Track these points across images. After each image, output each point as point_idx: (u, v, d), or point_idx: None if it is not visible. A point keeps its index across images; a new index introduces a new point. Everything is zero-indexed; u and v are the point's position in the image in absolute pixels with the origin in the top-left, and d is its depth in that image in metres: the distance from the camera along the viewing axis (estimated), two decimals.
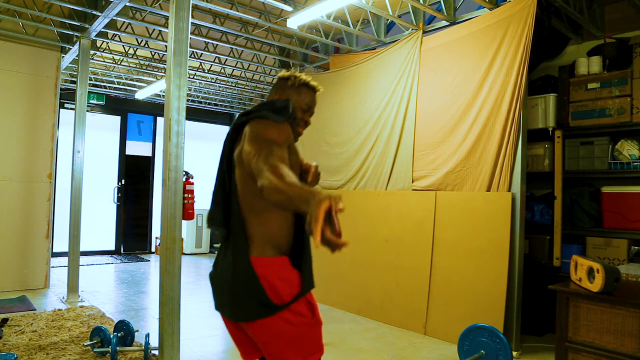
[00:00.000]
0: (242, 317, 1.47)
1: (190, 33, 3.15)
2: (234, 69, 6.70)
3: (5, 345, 3.21)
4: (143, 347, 3.09)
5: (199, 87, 7.73)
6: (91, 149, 7.01)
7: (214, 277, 1.59)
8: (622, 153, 3.71)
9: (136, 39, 5.59)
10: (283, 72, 1.70)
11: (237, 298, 1.47)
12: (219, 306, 1.58)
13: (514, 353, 3.28)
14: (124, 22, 5.01)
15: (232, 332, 1.60)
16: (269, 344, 1.48)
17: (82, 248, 5.00)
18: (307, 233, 1.52)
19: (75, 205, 4.79)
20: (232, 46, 5.51)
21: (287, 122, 1.56)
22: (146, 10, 4.59)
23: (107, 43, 5.75)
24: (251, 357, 1.61)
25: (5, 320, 3.73)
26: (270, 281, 1.44)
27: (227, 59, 6.22)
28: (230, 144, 1.58)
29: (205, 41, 5.49)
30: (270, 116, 1.52)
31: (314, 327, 1.52)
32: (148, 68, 6.67)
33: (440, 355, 3.38)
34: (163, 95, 7.98)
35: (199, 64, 6.60)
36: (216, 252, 1.66)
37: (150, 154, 8.71)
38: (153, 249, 8.60)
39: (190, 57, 5.93)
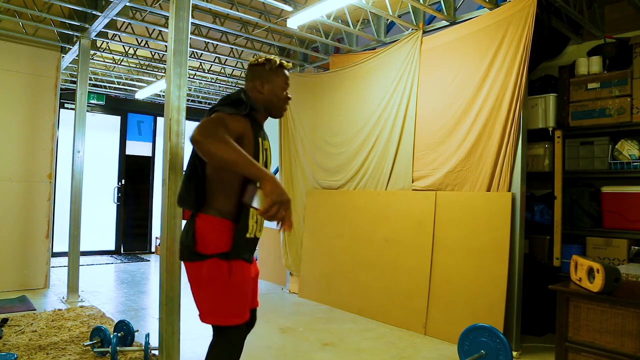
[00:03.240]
0: (180, 257, 1.84)
1: (190, 33, 3.15)
2: (234, 69, 6.70)
3: (5, 345, 3.21)
4: (143, 347, 3.09)
5: (199, 87, 7.73)
6: (91, 149, 7.01)
7: None
8: (622, 153, 3.71)
9: (136, 39, 5.59)
10: (254, 59, 1.94)
11: (181, 242, 1.82)
12: None
13: (514, 353, 3.28)
14: (124, 22, 5.01)
15: None
16: (191, 287, 1.81)
17: (82, 248, 5.00)
18: (244, 209, 1.77)
19: (75, 205, 4.79)
20: (232, 46, 5.51)
21: (239, 115, 1.77)
22: (146, 10, 4.59)
23: (107, 43, 5.75)
24: None
25: (5, 320, 3.73)
26: (202, 233, 1.75)
27: (227, 59, 6.22)
28: None
29: (205, 41, 5.49)
30: (223, 110, 1.75)
31: (229, 288, 1.74)
32: (148, 68, 6.67)
33: (440, 355, 3.38)
34: (163, 95, 7.98)
35: (199, 64, 6.60)
36: None
37: (150, 154, 8.71)
38: (153, 249, 8.60)
39: (190, 57, 5.93)
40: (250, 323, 2.03)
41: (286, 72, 1.96)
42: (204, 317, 1.80)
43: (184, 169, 1.99)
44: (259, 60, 1.93)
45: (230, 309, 1.77)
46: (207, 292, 1.76)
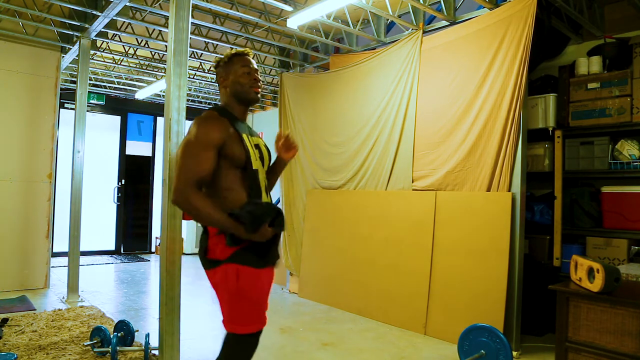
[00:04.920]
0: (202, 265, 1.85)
1: (190, 33, 3.15)
2: None
3: (5, 345, 3.21)
4: (143, 347, 3.08)
5: (199, 87, 7.73)
6: (91, 149, 7.01)
7: None
8: (622, 153, 3.71)
9: (136, 39, 5.58)
10: (214, 61, 1.99)
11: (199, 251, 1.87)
12: None
13: (514, 353, 3.28)
14: (124, 22, 5.00)
15: None
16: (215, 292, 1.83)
17: (82, 248, 5.00)
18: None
19: (75, 205, 4.79)
20: (232, 46, 5.50)
21: (215, 119, 1.78)
22: (146, 10, 4.59)
23: (107, 43, 5.75)
24: None
25: (5, 320, 3.73)
26: (212, 240, 1.77)
27: None
28: None
29: (205, 41, 5.49)
30: (199, 125, 1.77)
31: (235, 297, 1.73)
32: (148, 68, 6.67)
33: (440, 355, 3.38)
34: (163, 95, 7.98)
35: (199, 64, 6.60)
36: None
37: (150, 154, 8.71)
38: (153, 249, 8.60)
39: (190, 57, 5.93)
40: None
41: (245, 57, 1.94)
42: (224, 324, 1.80)
43: None
44: (215, 61, 1.98)
45: (241, 316, 1.75)
46: (221, 298, 1.78)
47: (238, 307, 1.74)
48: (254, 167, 1.83)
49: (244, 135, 1.84)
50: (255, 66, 1.96)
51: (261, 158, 1.91)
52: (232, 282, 1.72)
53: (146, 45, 5.78)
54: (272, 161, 2.06)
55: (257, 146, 1.91)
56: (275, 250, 1.87)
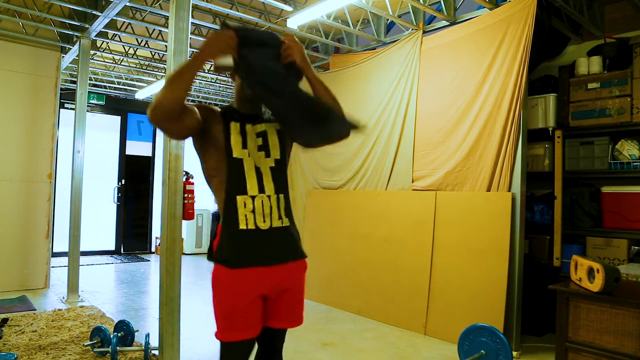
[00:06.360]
0: None
1: (190, 33, 3.15)
2: None
3: (5, 345, 3.21)
4: (143, 347, 3.08)
5: (199, 87, 7.73)
6: (91, 149, 7.00)
7: None
8: (622, 153, 3.71)
9: (136, 39, 5.59)
10: None
11: None
12: None
13: (514, 353, 3.28)
14: (124, 22, 5.01)
15: None
16: None
17: (82, 248, 5.00)
18: (228, 199, 1.63)
19: (75, 205, 4.79)
20: None
21: (209, 107, 1.74)
22: (146, 10, 4.59)
23: (107, 43, 5.75)
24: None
25: (5, 320, 3.73)
26: (218, 238, 1.65)
27: None
28: None
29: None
30: None
31: (216, 297, 1.63)
32: (148, 68, 6.67)
33: (440, 355, 3.38)
34: None
35: None
36: None
37: (150, 154, 8.71)
38: (153, 249, 8.60)
39: (190, 57, 5.92)
40: (264, 344, 1.78)
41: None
42: None
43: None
44: None
45: (217, 320, 1.63)
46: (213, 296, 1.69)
47: (214, 308, 1.63)
48: (234, 155, 1.66)
49: (233, 124, 1.70)
50: None
51: (262, 147, 1.73)
52: (212, 282, 1.63)
53: (146, 45, 5.78)
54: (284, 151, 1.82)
55: (261, 134, 1.75)
56: (260, 244, 1.63)
